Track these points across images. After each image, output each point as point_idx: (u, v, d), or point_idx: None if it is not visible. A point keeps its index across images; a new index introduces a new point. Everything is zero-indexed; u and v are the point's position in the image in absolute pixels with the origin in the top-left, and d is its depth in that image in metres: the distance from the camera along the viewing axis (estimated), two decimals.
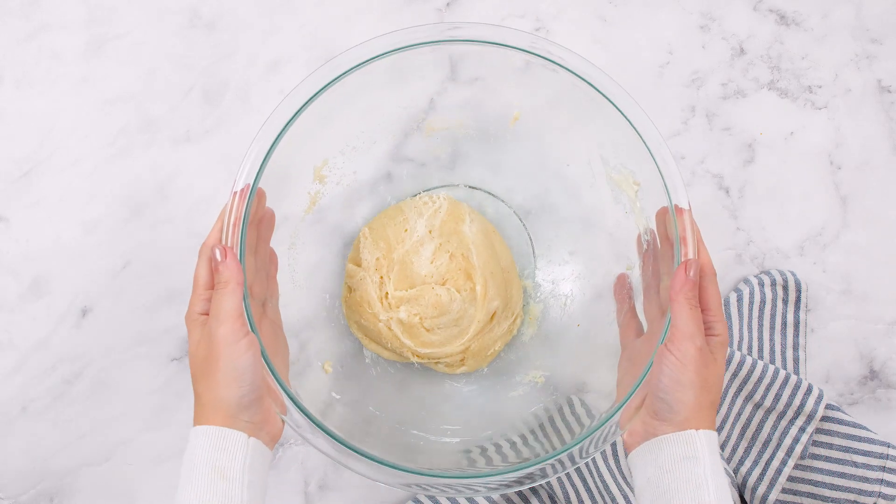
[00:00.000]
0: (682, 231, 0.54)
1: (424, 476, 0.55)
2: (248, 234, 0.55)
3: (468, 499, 0.70)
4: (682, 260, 0.53)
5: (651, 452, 0.51)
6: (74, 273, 0.74)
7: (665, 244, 0.57)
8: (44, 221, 0.75)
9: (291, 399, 0.54)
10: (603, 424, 0.55)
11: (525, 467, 0.55)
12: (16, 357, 0.73)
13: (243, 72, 0.77)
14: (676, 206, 0.55)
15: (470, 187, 0.75)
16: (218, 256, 0.52)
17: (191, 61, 0.77)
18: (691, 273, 0.52)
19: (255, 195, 0.54)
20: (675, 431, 0.50)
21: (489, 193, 0.75)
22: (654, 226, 0.58)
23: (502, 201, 0.75)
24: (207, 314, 0.52)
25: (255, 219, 0.57)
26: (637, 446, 0.52)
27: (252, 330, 0.52)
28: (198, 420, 0.50)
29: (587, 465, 0.69)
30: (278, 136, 0.55)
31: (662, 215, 0.56)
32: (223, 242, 0.53)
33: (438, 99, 0.74)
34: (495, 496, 0.69)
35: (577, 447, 0.55)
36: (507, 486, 0.55)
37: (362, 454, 0.54)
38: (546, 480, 0.56)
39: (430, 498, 0.70)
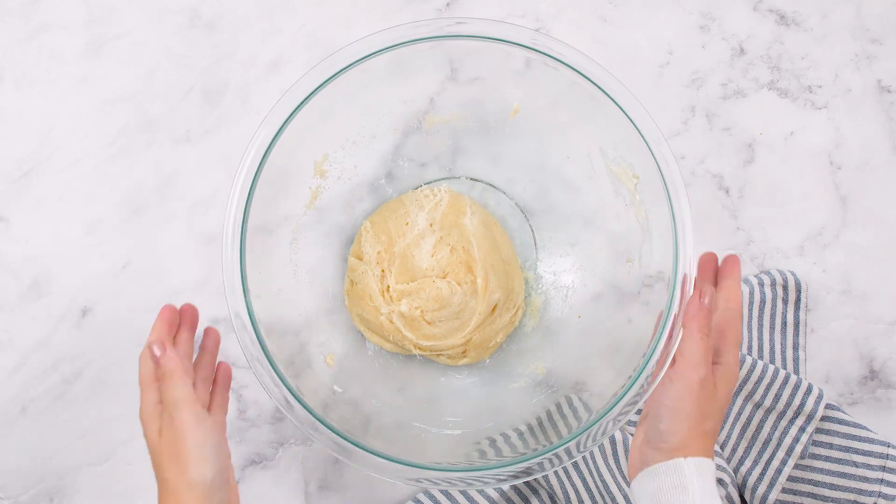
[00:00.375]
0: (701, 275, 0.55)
1: (426, 470, 0.55)
2: (187, 343, 0.55)
3: (469, 497, 0.70)
4: (697, 287, 0.53)
5: (646, 482, 0.51)
6: (74, 273, 0.74)
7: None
8: (44, 221, 0.75)
9: (293, 394, 0.54)
10: (609, 411, 0.55)
11: (531, 458, 0.55)
12: (16, 357, 0.73)
13: (243, 72, 0.77)
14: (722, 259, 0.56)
15: (471, 179, 0.75)
16: (157, 352, 0.52)
17: (191, 61, 0.77)
18: (706, 300, 0.52)
19: (251, 200, 0.55)
20: (665, 460, 0.50)
21: (490, 185, 0.75)
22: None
23: (503, 193, 0.75)
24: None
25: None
26: (636, 475, 0.53)
27: None
28: None
29: (587, 464, 0.69)
30: (279, 130, 0.55)
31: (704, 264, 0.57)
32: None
33: (438, 99, 0.74)
34: (505, 487, 0.70)
35: (585, 434, 0.55)
36: (515, 476, 0.55)
37: (366, 450, 0.54)
38: (561, 466, 0.57)
39: (431, 498, 0.70)
